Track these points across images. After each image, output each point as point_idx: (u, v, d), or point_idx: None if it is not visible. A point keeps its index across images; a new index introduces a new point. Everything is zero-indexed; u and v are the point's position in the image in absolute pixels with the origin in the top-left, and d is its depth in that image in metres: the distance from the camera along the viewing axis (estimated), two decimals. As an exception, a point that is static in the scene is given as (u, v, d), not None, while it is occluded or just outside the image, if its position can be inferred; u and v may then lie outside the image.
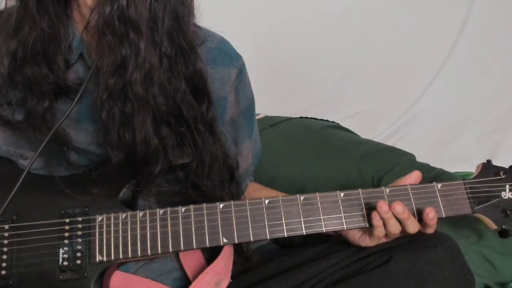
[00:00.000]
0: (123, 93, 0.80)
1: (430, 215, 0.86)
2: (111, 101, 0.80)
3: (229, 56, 0.97)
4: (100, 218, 0.86)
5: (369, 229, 0.90)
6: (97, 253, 0.85)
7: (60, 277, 0.84)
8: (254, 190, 1.10)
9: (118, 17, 0.76)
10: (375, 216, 0.86)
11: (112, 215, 0.86)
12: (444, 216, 0.89)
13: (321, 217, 0.88)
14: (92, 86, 0.84)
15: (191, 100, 0.86)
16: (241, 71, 0.99)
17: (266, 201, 0.88)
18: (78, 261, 0.84)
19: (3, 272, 0.83)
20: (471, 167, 0.99)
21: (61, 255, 0.84)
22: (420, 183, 0.92)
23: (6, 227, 0.85)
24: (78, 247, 0.85)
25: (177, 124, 0.86)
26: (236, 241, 0.86)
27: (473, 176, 0.93)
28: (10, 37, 0.82)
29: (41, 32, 0.81)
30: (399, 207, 0.85)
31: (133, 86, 0.79)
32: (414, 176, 0.93)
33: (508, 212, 0.90)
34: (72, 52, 0.86)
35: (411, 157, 1.54)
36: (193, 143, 0.88)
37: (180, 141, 0.88)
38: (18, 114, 0.87)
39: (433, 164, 1.55)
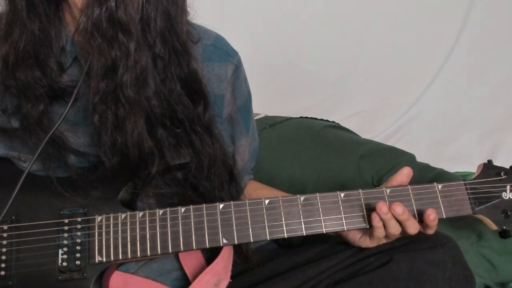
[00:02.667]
0: (114, 96, 0.79)
1: (431, 216, 0.86)
2: (103, 104, 0.80)
3: (225, 52, 0.97)
4: (99, 218, 0.86)
5: (369, 230, 0.90)
6: (96, 254, 0.84)
7: (60, 277, 0.84)
8: (254, 190, 1.10)
9: (107, 19, 0.75)
10: (374, 217, 0.86)
11: (111, 216, 0.86)
12: (444, 217, 0.89)
13: (321, 217, 0.88)
14: (87, 87, 0.83)
15: (187, 101, 0.86)
16: (238, 67, 0.98)
17: (266, 202, 0.88)
18: (78, 262, 0.84)
19: (2, 272, 0.83)
20: (471, 167, 0.99)
21: (60, 256, 0.84)
22: (420, 183, 0.91)
23: (5, 227, 0.85)
24: (77, 247, 0.85)
25: (173, 126, 0.86)
26: (236, 242, 0.86)
27: (473, 177, 0.93)
28: (0, 42, 0.81)
29: (31, 35, 0.80)
30: (398, 208, 0.85)
31: (124, 89, 0.78)
32: (405, 173, 0.92)
33: (509, 213, 0.90)
34: (66, 55, 0.86)
35: (411, 157, 1.54)
36: (191, 144, 0.88)
37: (177, 142, 0.87)
38: (14, 121, 0.86)
39: (433, 164, 1.54)
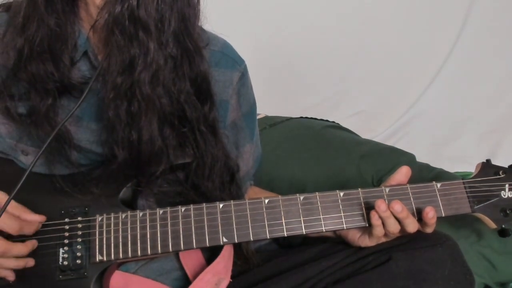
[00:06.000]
0: (130, 93, 0.80)
1: (430, 214, 0.86)
2: (118, 100, 0.80)
3: (232, 59, 0.98)
4: (100, 218, 0.86)
5: (368, 229, 0.91)
6: (97, 253, 0.85)
7: (60, 277, 0.84)
8: (255, 193, 1.11)
9: (128, 17, 0.76)
10: (373, 215, 0.86)
11: (112, 215, 0.86)
12: (443, 215, 0.89)
13: (321, 216, 0.88)
14: (97, 85, 0.84)
15: (194, 101, 0.86)
16: (244, 75, 1.00)
17: (266, 201, 0.88)
18: (78, 261, 0.84)
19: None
20: (471, 167, 0.99)
21: (61, 255, 0.85)
22: (420, 183, 0.92)
23: (7, 227, 0.85)
24: (78, 247, 0.85)
25: (180, 125, 0.87)
26: (236, 241, 0.86)
27: (472, 176, 0.93)
28: (17, 34, 0.82)
29: (48, 30, 0.81)
30: (397, 206, 0.85)
31: (141, 85, 0.79)
32: (403, 172, 0.93)
33: (508, 211, 0.90)
34: (77, 50, 0.86)
35: (411, 157, 1.54)
36: (195, 144, 0.89)
37: (182, 142, 0.88)
38: (21, 107, 0.87)
39: (433, 164, 1.55)
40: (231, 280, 0.96)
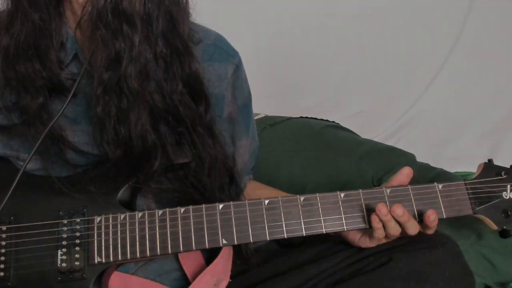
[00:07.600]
0: (118, 88, 0.79)
1: (431, 217, 0.86)
2: (106, 95, 0.80)
3: (225, 52, 0.97)
4: (98, 219, 0.85)
5: (369, 231, 0.90)
6: (95, 255, 0.84)
7: (59, 278, 0.84)
8: (253, 190, 1.10)
9: (111, 10, 0.76)
10: (374, 219, 0.86)
11: (110, 216, 0.85)
12: (444, 217, 0.89)
13: (321, 218, 0.88)
14: (87, 84, 0.84)
15: (189, 100, 0.86)
16: (238, 67, 0.99)
17: (266, 202, 0.87)
18: (77, 263, 0.84)
19: (1, 273, 0.83)
20: (471, 167, 0.99)
21: (59, 257, 0.84)
22: (421, 183, 0.91)
23: (4, 228, 0.85)
24: (76, 248, 0.84)
25: (175, 123, 0.86)
26: (236, 242, 0.86)
27: (474, 176, 0.93)
28: (2, 33, 0.82)
29: (32, 26, 0.81)
30: (398, 210, 0.85)
31: (128, 80, 0.79)
32: (405, 173, 0.92)
33: (509, 213, 0.90)
34: (67, 53, 0.86)
35: (411, 157, 1.54)
36: (192, 144, 0.88)
37: (179, 140, 0.87)
38: (14, 116, 0.86)
39: (433, 164, 1.54)
40: (230, 280, 0.96)
